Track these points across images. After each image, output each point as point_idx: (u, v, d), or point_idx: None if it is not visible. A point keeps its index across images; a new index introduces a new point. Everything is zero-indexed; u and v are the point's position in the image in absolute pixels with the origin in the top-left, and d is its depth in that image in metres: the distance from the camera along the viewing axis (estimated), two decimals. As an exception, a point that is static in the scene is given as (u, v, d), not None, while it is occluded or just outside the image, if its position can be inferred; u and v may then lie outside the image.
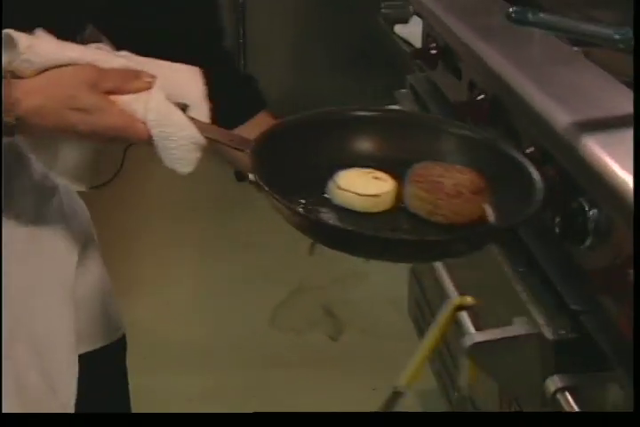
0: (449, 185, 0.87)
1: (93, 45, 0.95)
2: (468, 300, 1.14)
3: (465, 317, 1.12)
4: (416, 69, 1.71)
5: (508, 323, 1.03)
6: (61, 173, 0.97)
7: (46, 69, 0.88)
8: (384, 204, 0.90)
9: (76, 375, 1.12)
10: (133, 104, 0.88)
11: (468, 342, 1.06)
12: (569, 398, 0.92)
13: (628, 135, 0.87)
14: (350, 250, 0.85)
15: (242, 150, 0.89)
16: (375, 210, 0.89)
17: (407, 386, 1.27)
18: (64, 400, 1.11)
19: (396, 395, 1.32)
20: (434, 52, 1.53)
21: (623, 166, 0.80)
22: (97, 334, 1.23)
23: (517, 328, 1.01)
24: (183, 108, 0.91)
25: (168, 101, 0.89)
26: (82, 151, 0.95)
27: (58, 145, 0.95)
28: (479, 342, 1.05)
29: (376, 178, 0.92)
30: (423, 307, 1.78)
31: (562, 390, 0.93)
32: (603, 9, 1.39)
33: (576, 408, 0.91)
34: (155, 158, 0.90)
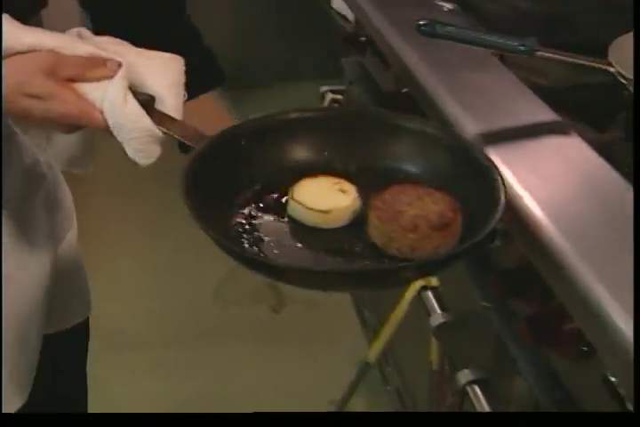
0: (407, 217, 0.77)
1: (74, 30, 0.94)
2: (432, 281, 1.18)
3: (430, 297, 1.16)
4: (351, 52, 1.73)
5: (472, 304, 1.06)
6: (54, 155, 0.96)
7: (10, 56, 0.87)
8: (336, 220, 0.82)
9: (37, 359, 1.15)
10: (93, 92, 0.87)
11: (434, 322, 1.11)
12: (477, 390, 0.98)
13: (528, 145, 0.91)
14: (265, 274, 0.78)
15: (193, 147, 0.86)
16: (326, 226, 0.82)
17: (374, 359, 1.33)
18: (25, 380, 1.14)
19: (367, 366, 1.38)
20: (363, 38, 1.56)
21: (519, 179, 0.85)
22: (75, 311, 1.26)
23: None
24: (147, 98, 0.89)
25: (127, 91, 0.88)
26: (72, 134, 0.95)
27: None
28: (445, 322, 1.10)
29: (342, 190, 0.84)
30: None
31: (471, 383, 0.99)
32: (523, -1, 1.42)
33: (484, 401, 0.97)
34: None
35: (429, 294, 1.14)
